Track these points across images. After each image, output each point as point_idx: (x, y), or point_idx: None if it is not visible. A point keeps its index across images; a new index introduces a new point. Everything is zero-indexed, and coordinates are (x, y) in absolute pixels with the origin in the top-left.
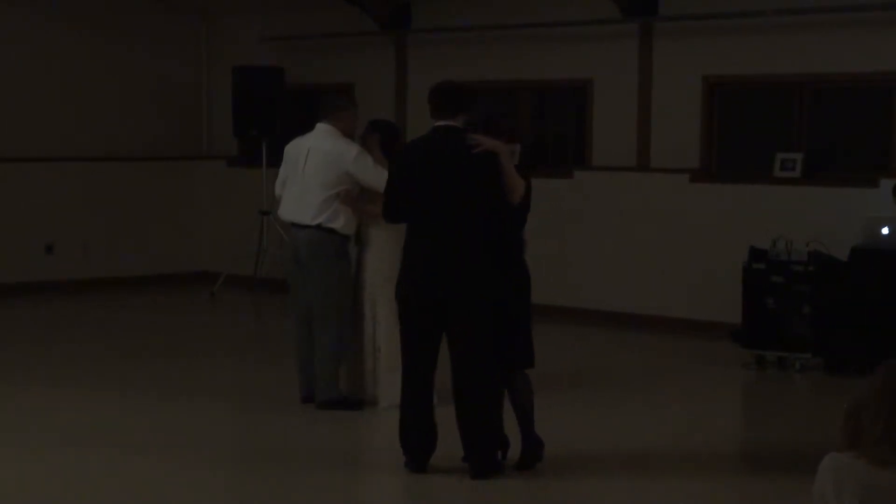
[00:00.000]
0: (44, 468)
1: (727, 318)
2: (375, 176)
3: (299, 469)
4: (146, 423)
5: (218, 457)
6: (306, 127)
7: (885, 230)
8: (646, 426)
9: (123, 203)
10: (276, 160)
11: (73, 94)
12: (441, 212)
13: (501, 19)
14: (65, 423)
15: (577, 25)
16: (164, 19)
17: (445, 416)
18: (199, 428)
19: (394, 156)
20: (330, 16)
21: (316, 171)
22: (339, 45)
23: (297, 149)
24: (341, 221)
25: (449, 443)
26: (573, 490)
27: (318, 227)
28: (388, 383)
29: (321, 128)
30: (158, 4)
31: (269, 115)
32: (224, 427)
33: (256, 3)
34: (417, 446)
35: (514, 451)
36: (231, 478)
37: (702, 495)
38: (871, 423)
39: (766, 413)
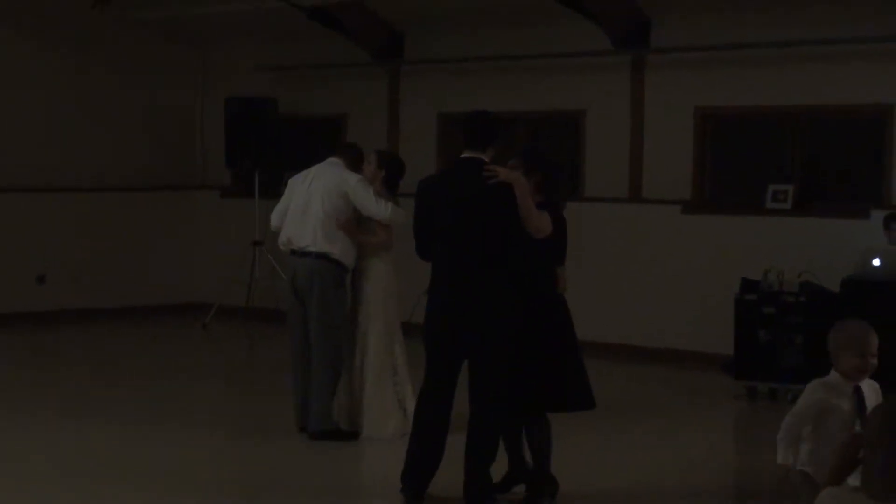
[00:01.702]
0: (31, 499)
1: (719, 349)
2: (373, 204)
3: (292, 500)
4: (137, 454)
5: (210, 488)
6: (299, 157)
7: (876, 261)
8: (636, 458)
9: (116, 233)
10: (269, 191)
11: (66, 124)
12: (461, 245)
13: (494, 51)
14: (54, 453)
15: (570, 57)
16: (158, 49)
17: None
18: (190, 458)
19: (416, 191)
20: (323, 47)
21: (318, 197)
22: (333, 75)
23: (301, 178)
24: (341, 248)
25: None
26: None
27: (317, 255)
28: (371, 414)
29: (330, 161)
30: (152, 35)
31: (262, 146)
32: (216, 457)
33: (250, 34)
34: (419, 478)
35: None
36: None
37: None
38: (871, 458)
39: (757, 444)
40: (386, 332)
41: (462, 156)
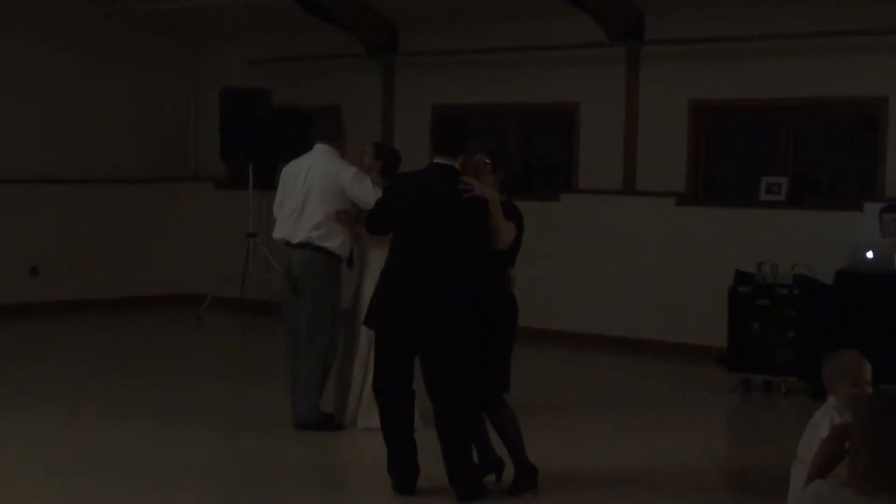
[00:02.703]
0: (25, 492)
1: (713, 341)
2: (371, 197)
3: (286, 491)
4: (130, 446)
5: (204, 479)
6: (293, 149)
7: (869, 254)
8: (630, 450)
9: (110, 225)
10: (263, 183)
11: (60, 117)
12: (422, 246)
13: (488, 43)
14: (48, 445)
15: (565, 50)
16: (152, 42)
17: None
18: (183, 450)
19: (389, 182)
20: (318, 39)
21: (314, 190)
22: (327, 67)
23: (294, 169)
24: (336, 241)
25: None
26: None
27: (312, 246)
28: (370, 406)
29: (320, 148)
30: (147, 28)
31: (257, 138)
32: (210, 449)
33: (244, 26)
34: (401, 470)
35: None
36: (217, 500)
37: None
38: (857, 453)
39: (751, 437)
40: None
41: (434, 161)
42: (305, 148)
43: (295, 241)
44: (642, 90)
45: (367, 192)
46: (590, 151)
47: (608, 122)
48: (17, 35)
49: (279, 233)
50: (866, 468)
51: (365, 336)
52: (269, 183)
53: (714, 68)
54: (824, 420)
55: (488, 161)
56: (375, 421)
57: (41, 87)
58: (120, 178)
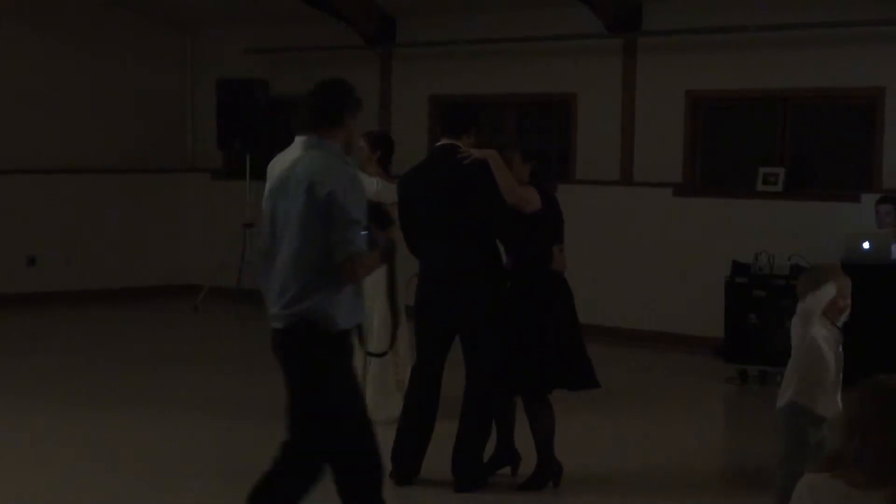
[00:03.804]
0: (20, 481)
1: (710, 332)
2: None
3: None
4: (128, 436)
5: (201, 470)
6: (290, 140)
7: (865, 245)
8: (627, 440)
9: (107, 215)
10: (260, 173)
11: (57, 106)
12: (446, 230)
13: (486, 34)
14: (45, 435)
15: (562, 40)
16: (149, 32)
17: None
18: (181, 441)
19: (399, 184)
20: (315, 29)
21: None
22: (324, 58)
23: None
24: None
25: (440, 456)
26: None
27: None
28: (372, 397)
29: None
30: (143, 17)
31: (254, 128)
32: (207, 440)
33: (241, 16)
34: (407, 459)
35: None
36: (213, 490)
37: None
38: (847, 444)
39: (747, 427)
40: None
41: (438, 143)
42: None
43: None
44: (639, 81)
45: None
46: (587, 142)
47: (605, 113)
48: (12, 25)
49: None
50: (859, 460)
51: (374, 327)
52: (266, 173)
53: (711, 59)
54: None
55: (507, 152)
56: (378, 414)
57: (37, 77)
58: (117, 168)
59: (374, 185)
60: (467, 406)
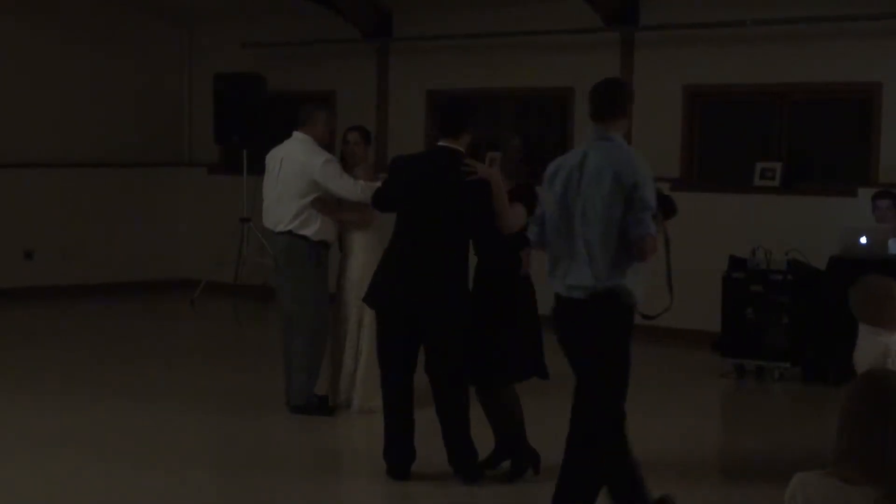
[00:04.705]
0: (18, 474)
1: (707, 326)
2: (342, 185)
3: (280, 475)
4: (124, 430)
5: (197, 463)
6: (287, 135)
7: (863, 239)
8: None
9: (104, 209)
10: (256, 167)
11: (53, 101)
12: (423, 228)
13: (483, 28)
14: (41, 429)
15: (559, 34)
16: (146, 26)
17: (432, 421)
18: (178, 435)
19: (391, 164)
20: (312, 23)
21: (288, 179)
22: (321, 52)
23: (273, 158)
24: (314, 228)
25: (433, 447)
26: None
27: (291, 233)
28: (365, 387)
29: (296, 136)
30: (140, 11)
31: (250, 123)
32: (204, 434)
33: (238, 11)
34: (398, 454)
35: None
36: (210, 484)
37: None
38: (838, 439)
39: (744, 422)
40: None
41: (438, 144)
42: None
43: (276, 229)
44: (637, 75)
45: (336, 181)
46: (584, 137)
47: None
48: (10, 19)
49: (264, 221)
50: (851, 455)
51: (354, 317)
52: (262, 168)
53: (708, 54)
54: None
55: (514, 143)
56: (373, 402)
57: (34, 71)
58: (114, 162)
59: (357, 190)
60: (438, 403)
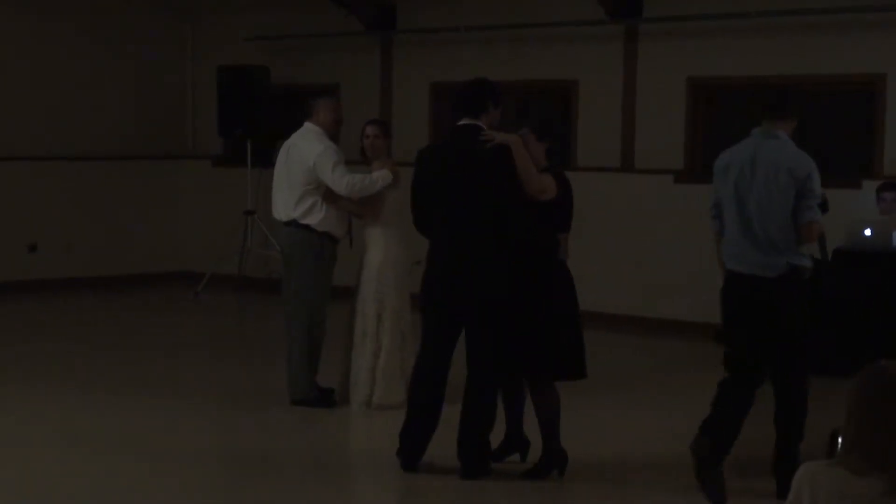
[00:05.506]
0: (20, 467)
1: (710, 318)
2: (330, 177)
3: (285, 469)
4: (126, 424)
5: (201, 457)
6: (291, 127)
7: (867, 232)
8: (627, 427)
9: (107, 202)
10: (261, 160)
11: (57, 93)
12: (459, 214)
13: (487, 20)
14: (44, 422)
15: (563, 27)
16: (150, 19)
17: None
18: (181, 428)
19: (416, 158)
20: (316, 16)
21: (293, 168)
22: (325, 45)
23: (283, 148)
24: (317, 218)
25: (443, 443)
26: (555, 490)
27: (295, 224)
28: (387, 384)
29: (305, 126)
30: (144, 3)
31: (255, 115)
32: (208, 427)
33: (242, 3)
34: (415, 441)
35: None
36: (214, 478)
37: (683, 495)
38: (844, 430)
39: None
40: (398, 301)
41: (458, 123)
42: (298, 125)
43: (283, 219)
44: (641, 67)
45: (328, 173)
46: (588, 129)
47: (606, 100)
48: (12, 11)
49: (273, 212)
50: (857, 446)
51: (372, 312)
52: (266, 160)
53: (712, 45)
54: None
55: (522, 132)
56: (392, 399)
57: (38, 63)
58: (117, 155)
59: (343, 185)
60: (470, 393)
